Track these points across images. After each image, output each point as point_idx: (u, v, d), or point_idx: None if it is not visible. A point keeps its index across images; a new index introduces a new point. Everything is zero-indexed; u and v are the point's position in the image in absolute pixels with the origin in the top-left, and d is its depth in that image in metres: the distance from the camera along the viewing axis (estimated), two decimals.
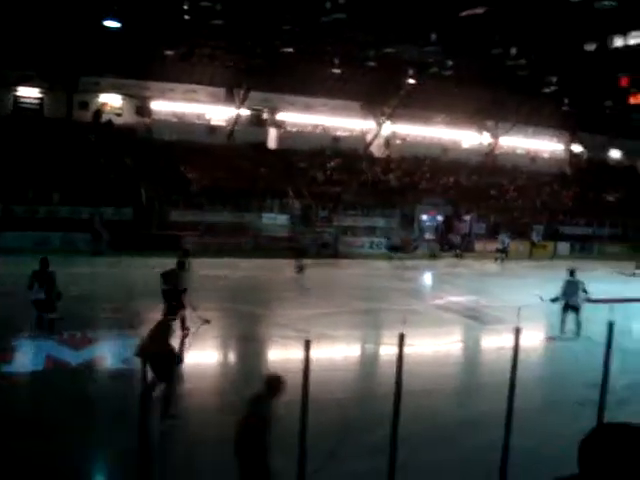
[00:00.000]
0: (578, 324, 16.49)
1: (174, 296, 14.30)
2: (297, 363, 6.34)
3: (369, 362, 14.77)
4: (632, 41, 22.78)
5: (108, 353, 13.35)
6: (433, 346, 15.00)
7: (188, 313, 13.99)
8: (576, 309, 16.61)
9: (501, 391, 7.41)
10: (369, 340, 15.87)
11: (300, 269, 24.96)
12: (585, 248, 41.32)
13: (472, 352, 16.17)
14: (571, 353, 14.75)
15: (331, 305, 18.86)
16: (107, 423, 9.18)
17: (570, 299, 16.68)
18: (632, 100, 22.08)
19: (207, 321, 13.00)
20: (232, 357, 14.97)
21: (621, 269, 30.62)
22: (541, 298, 16.84)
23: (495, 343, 15.45)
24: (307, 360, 6.03)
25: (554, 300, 16.81)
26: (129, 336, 13.09)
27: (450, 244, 36.81)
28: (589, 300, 16.84)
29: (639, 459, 2.51)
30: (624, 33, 22.61)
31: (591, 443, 2.59)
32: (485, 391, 11.37)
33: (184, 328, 13.79)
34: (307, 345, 6.03)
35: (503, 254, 33.34)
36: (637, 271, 30.51)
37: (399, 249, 33.03)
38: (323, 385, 9.47)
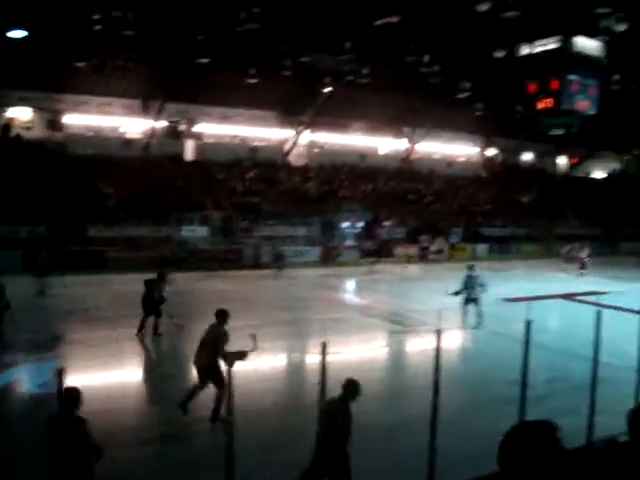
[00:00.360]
0: (479, 314, 18.01)
1: (153, 305, 15.89)
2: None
3: (295, 372, 14.71)
4: (537, 49, 23.53)
5: (24, 378, 12.87)
6: (359, 352, 15.05)
7: (162, 320, 15.77)
8: (475, 301, 18.07)
9: (427, 393, 7.46)
10: (294, 350, 15.79)
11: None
12: (503, 249, 42.44)
13: (397, 356, 16.32)
14: (492, 352, 15.08)
15: (255, 317, 18.72)
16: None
17: (470, 292, 18.13)
18: (540, 105, 22.75)
19: (181, 326, 15.39)
20: (153, 375, 14.55)
21: (563, 268, 31.62)
22: (447, 292, 18.22)
23: (419, 346, 15.69)
24: (228, 374, 5.94)
25: (456, 293, 18.23)
26: (45, 360, 12.67)
27: (371, 250, 37.18)
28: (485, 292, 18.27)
29: (556, 456, 2.54)
30: (530, 41, 23.32)
31: (510, 442, 2.60)
32: (411, 394, 11.46)
33: (156, 333, 15.87)
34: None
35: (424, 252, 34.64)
36: (583, 271, 31.58)
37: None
38: (249, 397, 9.36)
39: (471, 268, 18.75)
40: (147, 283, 16.31)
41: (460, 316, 18.06)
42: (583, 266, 31.94)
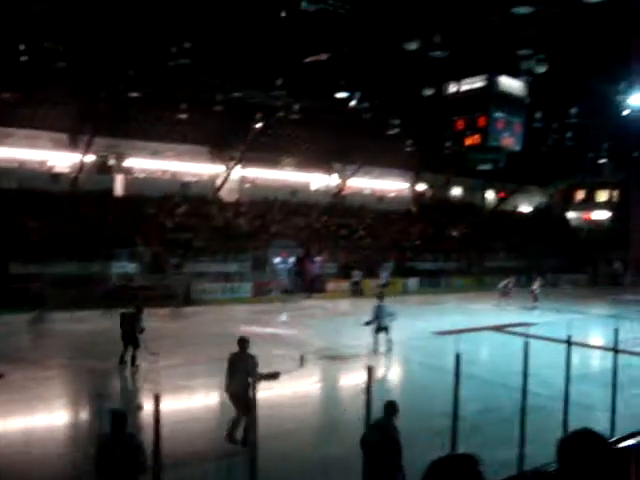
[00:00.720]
0: (389, 342, 18.90)
1: (134, 336, 16.56)
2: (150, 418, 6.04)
3: (227, 411, 14.38)
4: (464, 87, 24.15)
5: None
6: (291, 388, 14.90)
7: (140, 352, 16.39)
8: (386, 329, 18.97)
9: (359, 427, 7.41)
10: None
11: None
12: (434, 282, 43.00)
13: (330, 390, 16.22)
14: (424, 384, 15.14)
15: (186, 354, 18.38)
16: None
17: (381, 321, 19.09)
18: (467, 141, 23.29)
19: (156, 353, 15.88)
20: (78, 417, 14.09)
21: (497, 303, 31.97)
22: (360, 323, 19.60)
23: (351, 380, 15.61)
24: (157, 414, 5.74)
25: (367, 323, 19.25)
26: None
27: (302, 286, 37.18)
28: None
29: None
30: (457, 80, 23.93)
31: (430, 477, 2.58)
32: (343, 429, 11.36)
33: (134, 364, 16.49)
34: (156, 399, 5.75)
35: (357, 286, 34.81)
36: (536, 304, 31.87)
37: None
38: (179, 438, 9.14)
39: (381, 298, 19.82)
40: (126, 316, 17.02)
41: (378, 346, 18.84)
42: (535, 299, 32.31)
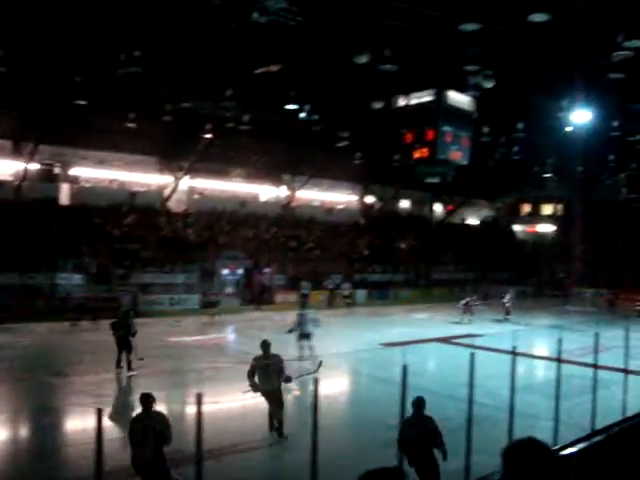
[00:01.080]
0: (311, 348, 19.45)
1: (125, 341, 17.56)
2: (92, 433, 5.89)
3: (174, 424, 14.16)
4: (413, 101, 24.42)
5: None
6: (239, 401, 14.79)
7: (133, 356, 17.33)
8: (308, 336, 19.78)
9: (307, 439, 7.36)
10: (174, 401, 15.26)
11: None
12: (382, 294, 43.29)
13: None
14: (373, 396, 15.17)
15: (134, 367, 18.07)
16: None
17: (303, 328, 19.98)
18: (416, 154, 23.55)
19: (143, 359, 17.29)
20: (22, 431, 13.74)
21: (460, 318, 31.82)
22: (284, 331, 20.44)
23: (300, 392, 15.55)
24: (99, 429, 5.60)
25: (290, 331, 20.17)
26: None
27: (251, 297, 37.05)
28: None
29: None
30: (406, 94, 24.20)
31: None
32: (295, 441, 11.29)
33: (130, 369, 17.44)
34: (99, 414, 5.62)
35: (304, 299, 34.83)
36: (508, 317, 31.92)
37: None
38: (121, 452, 8.99)
39: (303, 306, 21.67)
40: (119, 322, 18.11)
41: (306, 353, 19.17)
42: (507, 312, 32.32)
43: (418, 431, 8.60)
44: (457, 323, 30.37)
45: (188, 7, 21.07)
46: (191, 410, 10.97)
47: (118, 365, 17.57)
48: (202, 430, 6.08)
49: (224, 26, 21.99)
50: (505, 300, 32.88)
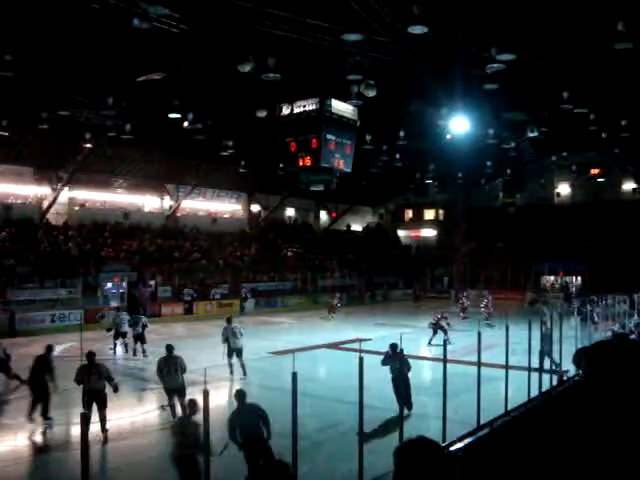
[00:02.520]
0: (242, 365, 18.62)
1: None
2: None
3: (55, 448, 13.56)
4: (297, 110, 24.61)
5: None
6: (130, 417, 14.50)
7: None
8: (239, 351, 18.72)
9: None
10: (58, 423, 14.60)
11: None
12: (270, 302, 43.36)
13: (168, 419, 15.85)
14: (263, 405, 15.12)
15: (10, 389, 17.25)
16: None
17: (233, 342, 18.75)
18: (300, 162, 23.69)
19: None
20: None
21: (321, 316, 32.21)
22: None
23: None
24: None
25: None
26: None
27: (136, 310, 36.23)
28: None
29: None
30: (290, 102, 24.35)
31: None
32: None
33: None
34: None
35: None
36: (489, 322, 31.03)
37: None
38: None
39: (229, 321, 19.59)
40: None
41: (227, 369, 18.62)
42: (489, 315, 31.63)
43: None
44: (325, 319, 31.57)
45: (67, 10, 20.38)
46: (76, 432, 10.65)
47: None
48: None
49: (104, 31, 21.43)
50: (484, 304, 33.03)
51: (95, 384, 12.59)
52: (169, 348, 14.48)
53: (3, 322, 29.38)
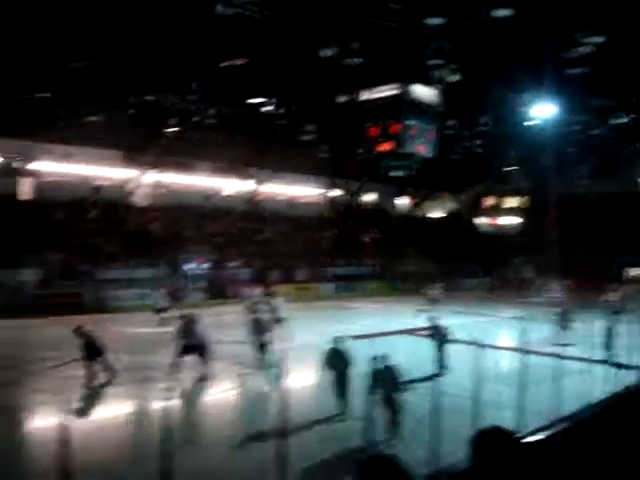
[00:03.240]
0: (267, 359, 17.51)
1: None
2: None
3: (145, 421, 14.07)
4: (377, 95, 24.50)
5: None
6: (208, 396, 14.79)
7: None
8: (264, 346, 17.76)
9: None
10: (147, 399, 15.07)
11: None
12: (348, 287, 43.40)
13: (246, 399, 16.09)
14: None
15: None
16: None
17: (261, 337, 17.99)
18: (380, 148, 23.65)
19: None
20: None
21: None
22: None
23: (265, 386, 15.51)
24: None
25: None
26: None
27: (218, 292, 36.82)
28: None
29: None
30: (369, 88, 24.28)
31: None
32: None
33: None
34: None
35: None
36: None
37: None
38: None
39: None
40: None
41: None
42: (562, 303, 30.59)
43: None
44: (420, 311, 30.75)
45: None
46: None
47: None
48: None
49: (189, 18, 21.81)
50: (554, 294, 32.62)
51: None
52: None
53: (91, 299, 30.41)
